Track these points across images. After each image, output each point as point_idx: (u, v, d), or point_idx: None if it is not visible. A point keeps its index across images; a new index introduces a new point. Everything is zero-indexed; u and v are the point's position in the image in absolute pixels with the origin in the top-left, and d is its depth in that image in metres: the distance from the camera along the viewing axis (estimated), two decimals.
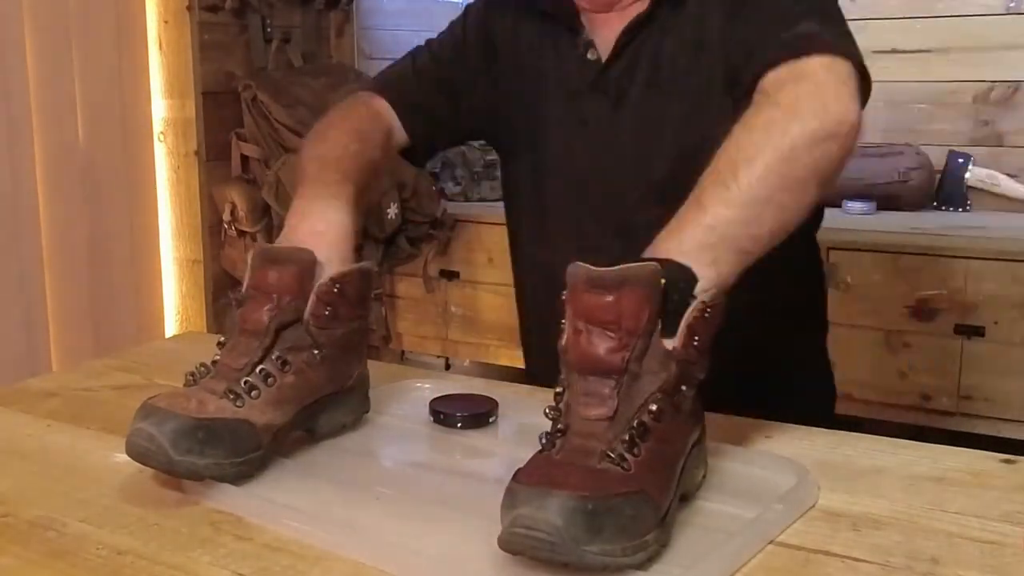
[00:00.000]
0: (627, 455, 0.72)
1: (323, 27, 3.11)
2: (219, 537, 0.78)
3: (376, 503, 0.84)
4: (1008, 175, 2.63)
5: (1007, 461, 0.90)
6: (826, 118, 0.88)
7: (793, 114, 0.88)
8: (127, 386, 1.16)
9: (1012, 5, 2.59)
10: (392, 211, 2.83)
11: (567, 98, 1.17)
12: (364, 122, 1.16)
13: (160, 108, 2.76)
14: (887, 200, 2.61)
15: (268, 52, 2.87)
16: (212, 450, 0.82)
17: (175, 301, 2.87)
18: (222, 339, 0.90)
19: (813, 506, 0.81)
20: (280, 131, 2.72)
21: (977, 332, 2.22)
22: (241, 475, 0.84)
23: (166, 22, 2.72)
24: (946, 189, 2.67)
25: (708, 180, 0.86)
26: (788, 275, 1.19)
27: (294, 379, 0.88)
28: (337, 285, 0.91)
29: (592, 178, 1.16)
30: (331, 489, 0.86)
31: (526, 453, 0.91)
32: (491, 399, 1.01)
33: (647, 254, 0.80)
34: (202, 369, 0.88)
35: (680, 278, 0.78)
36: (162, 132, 2.78)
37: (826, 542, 0.76)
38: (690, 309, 0.76)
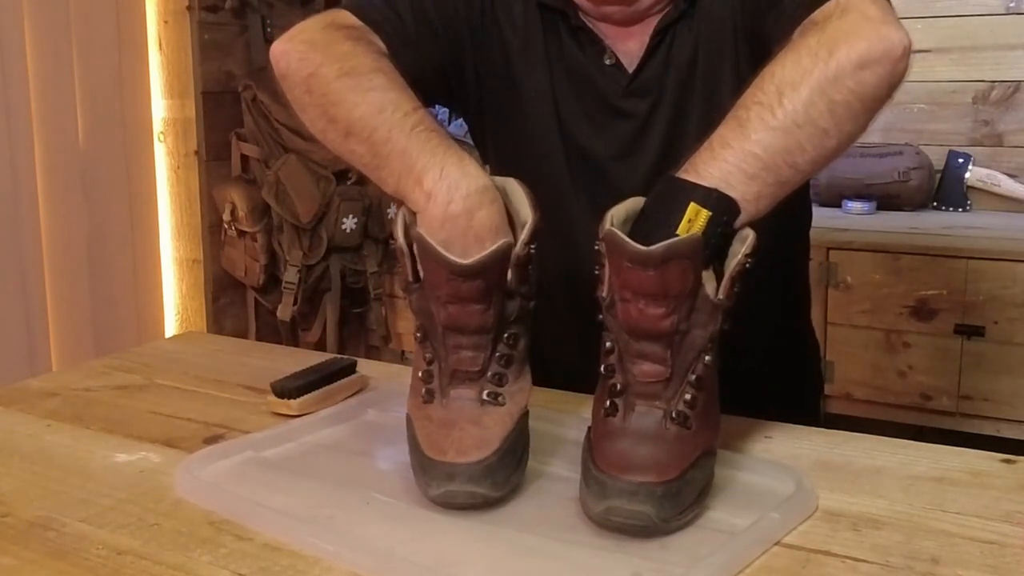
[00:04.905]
0: (688, 412, 0.78)
1: None
2: (219, 537, 0.78)
3: (370, 507, 0.83)
4: (1008, 175, 2.63)
5: (1007, 461, 0.90)
6: (874, 41, 0.84)
7: (842, 37, 0.84)
8: (127, 386, 1.16)
9: (1012, 5, 2.58)
10: (393, 211, 2.83)
11: (592, 101, 1.11)
12: (386, 61, 0.99)
13: (160, 108, 2.76)
14: (887, 200, 2.61)
15: (268, 52, 2.87)
16: (515, 461, 0.83)
17: (175, 301, 2.87)
18: (417, 333, 0.87)
19: (812, 513, 0.81)
20: (280, 131, 2.72)
21: (977, 332, 2.22)
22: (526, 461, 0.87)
23: (166, 22, 2.72)
24: (946, 189, 2.67)
25: (752, 101, 0.84)
26: (780, 273, 1.19)
27: (525, 341, 0.87)
28: (529, 247, 0.85)
29: (615, 174, 1.12)
30: (326, 491, 0.86)
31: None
32: None
33: (689, 175, 0.81)
34: (427, 373, 0.85)
35: (724, 210, 0.79)
36: (162, 132, 2.78)
37: (826, 542, 0.76)
38: (735, 263, 0.78)
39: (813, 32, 0.87)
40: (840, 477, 0.87)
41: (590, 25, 1.10)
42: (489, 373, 0.84)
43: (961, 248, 2.26)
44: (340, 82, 0.92)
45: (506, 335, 0.85)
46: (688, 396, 0.79)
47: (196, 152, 2.75)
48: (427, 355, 0.86)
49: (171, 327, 2.84)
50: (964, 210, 2.65)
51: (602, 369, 0.82)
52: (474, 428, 0.82)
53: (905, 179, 2.61)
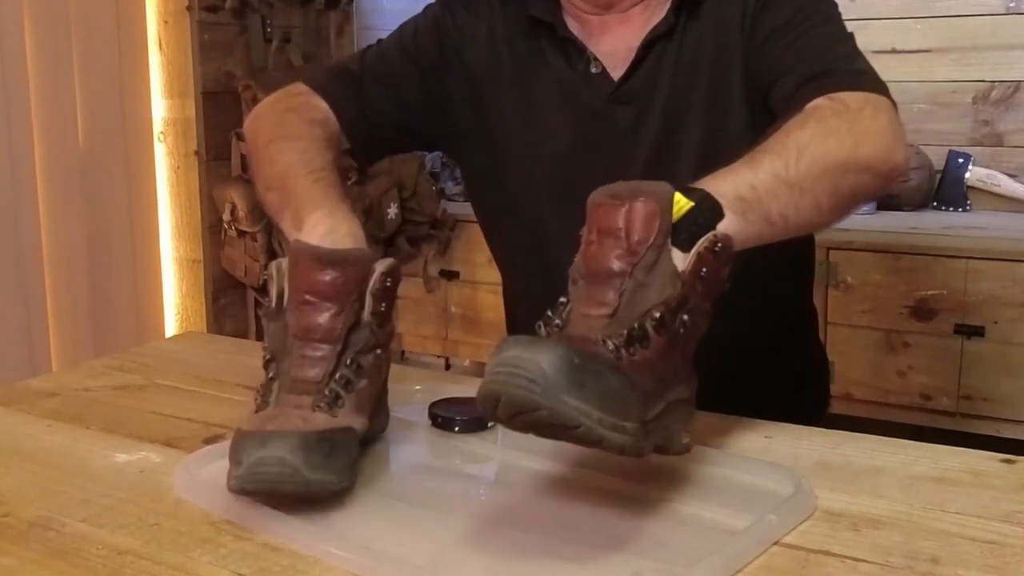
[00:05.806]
0: (622, 350, 0.71)
1: (323, 27, 3.12)
2: (219, 537, 0.78)
3: (369, 507, 0.83)
4: (1008, 175, 2.63)
5: (1007, 461, 0.90)
6: (891, 158, 0.92)
7: (869, 139, 0.91)
8: (127, 386, 1.16)
9: (1012, 5, 2.59)
10: (392, 211, 2.83)
11: (576, 111, 1.13)
12: (321, 127, 1.13)
13: (160, 108, 2.77)
14: (887, 200, 2.61)
15: (268, 52, 2.88)
16: (336, 463, 0.80)
17: (175, 301, 2.87)
18: (266, 355, 0.89)
19: (812, 513, 0.80)
20: None
21: (977, 332, 2.22)
22: (352, 486, 0.83)
23: (166, 22, 2.72)
24: (946, 189, 2.67)
25: (770, 149, 0.87)
26: (784, 273, 1.20)
27: (366, 383, 0.88)
28: (388, 280, 0.90)
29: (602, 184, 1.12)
30: None
31: (525, 458, 0.91)
32: None
33: (688, 186, 0.82)
34: (266, 388, 0.86)
35: (708, 207, 0.79)
36: (162, 132, 2.78)
37: (826, 542, 0.76)
38: (702, 239, 0.77)
39: (844, 117, 0.93)
40: (840, 477, 0.87)
41: (575, 35, 1.13)
42: (327, 389, 0.85)
43: (961, 248, 2.26)
44: (268, 147, 1.08)
45: (349, 360, 0.86)
46: (624, 333, 0.72)
47: (196, 152, 2.75)
48: (270, 374, 0.88)
49: (171, 327, 2.84)
50: (964, 210, 2.65)
51: (548, 312, 0.78)
52: (300, 418, 0.82)
53: (905, 179, 2.61)
